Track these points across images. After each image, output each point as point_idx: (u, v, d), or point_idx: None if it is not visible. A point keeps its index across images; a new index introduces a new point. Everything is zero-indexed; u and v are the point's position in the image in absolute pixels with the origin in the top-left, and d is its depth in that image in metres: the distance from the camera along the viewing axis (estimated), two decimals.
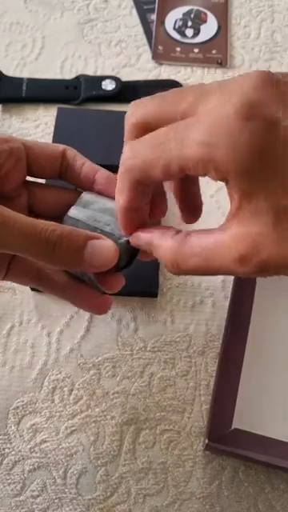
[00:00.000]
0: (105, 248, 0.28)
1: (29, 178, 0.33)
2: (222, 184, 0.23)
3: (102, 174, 0.33)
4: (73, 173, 0.33)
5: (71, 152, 0.33)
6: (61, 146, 0.33)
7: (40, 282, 0.33)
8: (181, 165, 0.23)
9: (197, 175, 0.24)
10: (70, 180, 0.33)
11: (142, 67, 0.56)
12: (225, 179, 0.23)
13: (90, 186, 0.33)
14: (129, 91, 0.54)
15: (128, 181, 0.26)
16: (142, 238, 0.28)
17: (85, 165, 0.33)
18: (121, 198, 0.27)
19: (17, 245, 0.27)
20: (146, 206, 0.29)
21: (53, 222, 0.28)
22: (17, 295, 0.44)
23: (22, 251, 0.27)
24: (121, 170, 0.26)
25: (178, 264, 0.25)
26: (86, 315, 0.44)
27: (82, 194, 0.32)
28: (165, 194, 0.31)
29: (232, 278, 0.44)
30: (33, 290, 0.44)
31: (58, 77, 0.55)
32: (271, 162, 0.22)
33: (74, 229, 0.28)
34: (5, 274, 0.33)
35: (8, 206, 0.27)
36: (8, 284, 0.44)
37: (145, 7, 0.60)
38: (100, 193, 0.33)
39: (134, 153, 0.25)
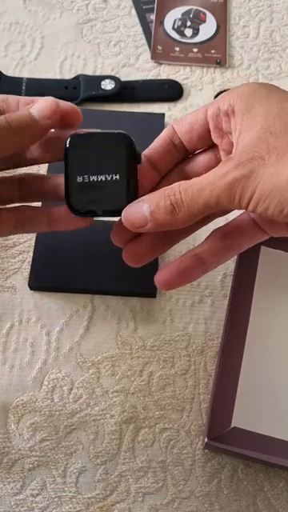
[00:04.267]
0: (41, 101, 0.32)
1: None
2: None
3: (40, 100, 0.33)
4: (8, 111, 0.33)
5: (0, 97, 0.34)
6: None
7: (24, 226, 0.35)
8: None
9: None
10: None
11: (141, 67, 0.56)
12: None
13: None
14: (128, 91, 0.54)
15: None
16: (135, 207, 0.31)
17: (20, 100, 0.33)
18: (149, 148, 0.33)
19: None
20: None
21: None
22: (16, 294, 0.44)
23: None
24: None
25: (179, 202, 0.29)
26: (86, 314, 0.44)
27: None
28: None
29: (231, 277, 0.44)
30: (32, 289, 0.44)
31: (58, 77, 0.55)
32: None
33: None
34: None
35: None
36: (8, 283, 0.45)
37: (144, 7, 0.60)
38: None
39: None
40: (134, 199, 0.31)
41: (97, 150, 0.32)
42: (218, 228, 0.33)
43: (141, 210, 0.30)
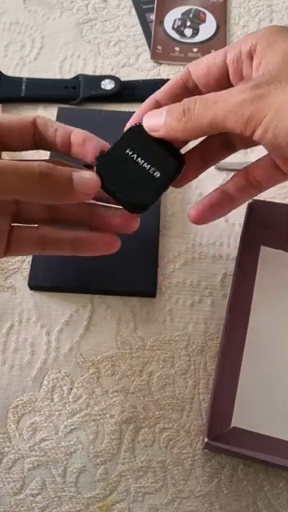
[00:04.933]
0: (87, 175, 0.31)
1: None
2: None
3: (76, 134, 0.33)
4: (47, 140, 0.33)
5: (42, 119, 0.34)
6: (31, 116, 0.34)
7: (46, 247, 0.35)
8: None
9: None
10: (46, 147, 0.34)
11: (141, 67, 0.56)
12: None
13: (66, 149, 0.33)
14: (128, 91, 0.54)
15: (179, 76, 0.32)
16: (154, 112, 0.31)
17: (58, 129, 0.33)
18: (160, 89, 0.33)
19: (12, 185, 0.28)
20: None
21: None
22: (16, 294, 0.44)
23: (18, 191, 0.29)
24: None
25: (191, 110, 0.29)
26: (86, 314, 0.44)
27: None
28: None
29: (231, 277, 0.44)
30: (32, 288, 0.44)
31: (57, 76, 0.55)
32: None
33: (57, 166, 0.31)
34: (6, 246, 0.33)
35: None
36: (8, 283, 0.45)
37: (144, 7, 0.60)
38: (77, 154, 0.34)
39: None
40: (153, 202, 0.32)
41: (154, 144, 0.32)
42: (242, 169, 0.34)
43: (159, 115, 0.31)
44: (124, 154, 0.32)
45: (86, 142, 0.33)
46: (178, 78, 0.33)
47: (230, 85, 0.32)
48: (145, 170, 0.32)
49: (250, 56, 0.30)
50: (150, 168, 0.32)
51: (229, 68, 0.31)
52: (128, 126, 0.33)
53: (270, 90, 0.26)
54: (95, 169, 0.32)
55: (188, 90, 0.33)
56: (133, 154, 0.32)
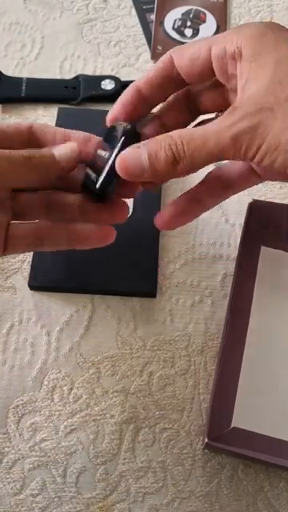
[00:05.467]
0: (64, 145, 0.32)
1: None
2: None
3: (76, 134, 0.33)
4: (46, 144, 0.33)
5: (38, 125, 0.34)
6: (26, 123, 0.34)
7: (43, 242, 0.34)
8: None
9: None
10: None
11: (141, 67, 0.56)
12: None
13: None
14: None
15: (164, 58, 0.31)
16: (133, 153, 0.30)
17: (57, 132, 0.33)
18: (142, 77, 0.32)
19: (5, 172, 0.30)
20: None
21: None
22: (16, 294, 0.44)
23: (11, 177, 0.30)
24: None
25: (180, 151, 0.28)
26: (86, 314, 0.44)
27: None
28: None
29: (231, 277, 0.44)
30: (32, 288, 0.44)
31: (58, 77, 0.55)
32: None
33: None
34: (3, 245, 0.33)
35: None
36: (8, 283, 0.45)
37: (144, 7, 0.60)
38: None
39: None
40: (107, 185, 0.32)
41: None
42: (214, 169, 0.33)
43: (138, 158, 0.29)
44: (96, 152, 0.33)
45: (88, 142, 0.33)
46: (161, 65, 0.31)
47: (213, 76, 0.31)
48: (101, 157, 0.32)
49: (234, 59, 0.29)
50: (105, 154, 0.32)
51: (213, 62, 0.30)
52: (108, 117, 0.33)
53: (261, 119, 0.26)
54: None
55: (172, 78, 0.32)
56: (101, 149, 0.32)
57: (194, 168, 0.29)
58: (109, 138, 0.32)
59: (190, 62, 0.31)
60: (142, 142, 0.29)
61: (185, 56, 0.31)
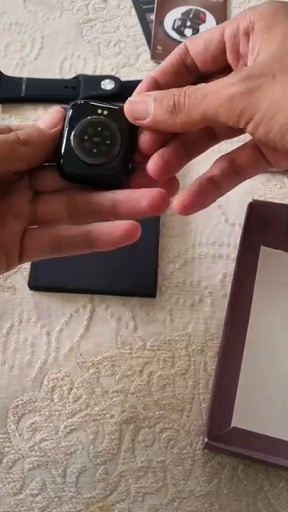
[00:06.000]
0: (48, 114, 0.31)
1: None
2: None
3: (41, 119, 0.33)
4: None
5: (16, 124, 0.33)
6: (4, 124, 0.33)
7: (60, 248, 0.32)
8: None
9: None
10: None
11: (141, 67, 0.56)
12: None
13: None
14: (128, 91, 0.53)
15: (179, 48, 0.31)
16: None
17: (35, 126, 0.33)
18: (157, 68, 0.31)
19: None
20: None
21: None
22: (16, 294, 0.44)
23: (7, 159, 0.29)
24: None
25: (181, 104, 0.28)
26: (86, 314, 0.44)
27: None
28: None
29: (231, 277, 0.44)
30: (32, 289, 0.44)
31: (57, 77, 0.55)
32: None
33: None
34: (19, 252, 0.31)
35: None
36: (8, 283, 0.45)
37: (144, 7, 0.60)
38: None
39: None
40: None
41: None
42: (225, 154, 0.33)
43: (145, 103, 0.30)
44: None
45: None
46: (176, 54, 0.32)
47: (226, 62, 0.31)
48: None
49: (247, 34, 0.29)
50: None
51: (226, 44, 0.30)
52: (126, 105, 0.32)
53: (261, 83, 0.26)
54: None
55: (186, 67, 0.32)
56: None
57: (191, 123, 0.28)
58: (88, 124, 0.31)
59: (203, 47, 0.31)
60: (153, 92, 0.30)
61: (199, 42, 0.31)
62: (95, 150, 0.31)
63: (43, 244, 0.31)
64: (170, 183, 0.32)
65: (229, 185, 0.33)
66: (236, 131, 0.31)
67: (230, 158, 0.32)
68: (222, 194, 0.33)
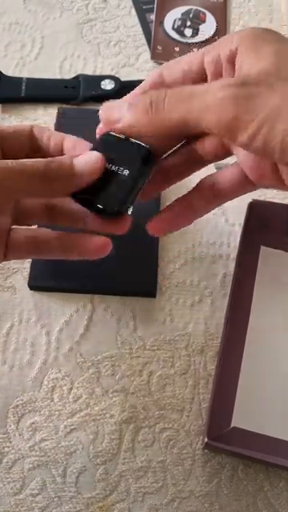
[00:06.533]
0: (87, 156, 0.29)
1: None
2: None
3: (68, 140, 0.32)
4: (42, 147, 0.32)
5: (37, 128, 0.33)
6: (28, 125, 0.32)
7: (40, 250, 0.33)
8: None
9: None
10: (42, 155, 0.32)
11: (141, 67, 0.56)
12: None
13: (59, 155, 0.32)
14: (128, 91, 0.53)
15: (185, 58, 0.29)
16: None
17: (51, 136, 0.32)
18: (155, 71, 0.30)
19: (19, 185, 0.27)
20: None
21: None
22: (16, 294, 0.44)
23: (24, 190, 0.28)
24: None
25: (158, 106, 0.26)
26: (86, 314, 0.44)
27: None
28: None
29: (231, 277, 0.44)
30: (32, 288, 0.44)
31: (58, 76, 0.55)
32: None
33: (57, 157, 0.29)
34: (4, 251, 0.32)
35: None
36: (8, 283, 0.45)
37: (144, 7, 0.60)
38: None
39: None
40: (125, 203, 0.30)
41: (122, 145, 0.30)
42: (207, 176, 0.32)
43: (119, 107, 0.28)
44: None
45: (76, 147, 0.32)
46: (150, 82, 0.30)
47: None
48: (115, 173, 0.30)
49: (232, 58, 0.27)
50: (118, 169, 0.30)
51: (207, 71, 0.28)
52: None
53: (259, 91, 0.24)
54: None
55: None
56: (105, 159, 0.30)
57: (167, 125, 0.26)
58: (111, 148, 0.30)
59: (181, 75, 0.29)
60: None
61: (176, 69, 0.29)
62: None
63: (28, 244, 0.32)
64: (124, 222, 0.32)
65: (207, 208, 0.32)
66: (243, 188, 0.31)
67: (210, 180, 0.32)
68: (198, 217, 0.33)
